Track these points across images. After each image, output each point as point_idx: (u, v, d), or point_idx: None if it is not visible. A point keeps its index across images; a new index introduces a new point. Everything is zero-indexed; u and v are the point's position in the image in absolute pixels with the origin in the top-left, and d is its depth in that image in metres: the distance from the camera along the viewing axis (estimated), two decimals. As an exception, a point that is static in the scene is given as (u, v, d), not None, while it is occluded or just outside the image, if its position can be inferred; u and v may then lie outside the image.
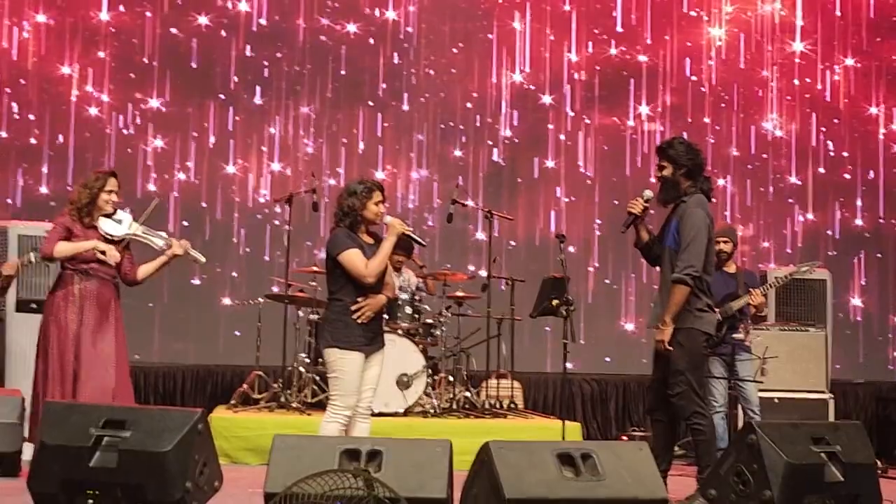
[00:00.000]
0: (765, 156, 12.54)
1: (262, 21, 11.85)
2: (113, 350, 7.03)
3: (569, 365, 8.15)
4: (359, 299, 6.40)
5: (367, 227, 6.56)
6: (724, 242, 8.58)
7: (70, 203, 7.18)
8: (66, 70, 11.49)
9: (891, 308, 12.55)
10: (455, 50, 12.21)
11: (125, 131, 11.58)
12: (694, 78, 12.47)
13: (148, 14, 11.64)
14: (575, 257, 11.77)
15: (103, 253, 6.99)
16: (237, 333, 11.28)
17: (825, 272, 10.42)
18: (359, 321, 6.38)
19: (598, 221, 12.24)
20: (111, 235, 7.12)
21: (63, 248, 7.00)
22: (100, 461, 5.12)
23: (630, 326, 12.18)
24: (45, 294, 8.66)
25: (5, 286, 7.53)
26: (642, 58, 12.36)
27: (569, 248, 11.10)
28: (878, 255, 12.67)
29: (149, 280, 7.39)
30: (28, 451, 6.92)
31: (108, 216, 7.16)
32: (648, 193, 6.82)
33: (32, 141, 11.43)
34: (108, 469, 5.10)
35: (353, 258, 6.36)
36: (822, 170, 12.55)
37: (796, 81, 12.56)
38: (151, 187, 11.48)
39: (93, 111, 11.50)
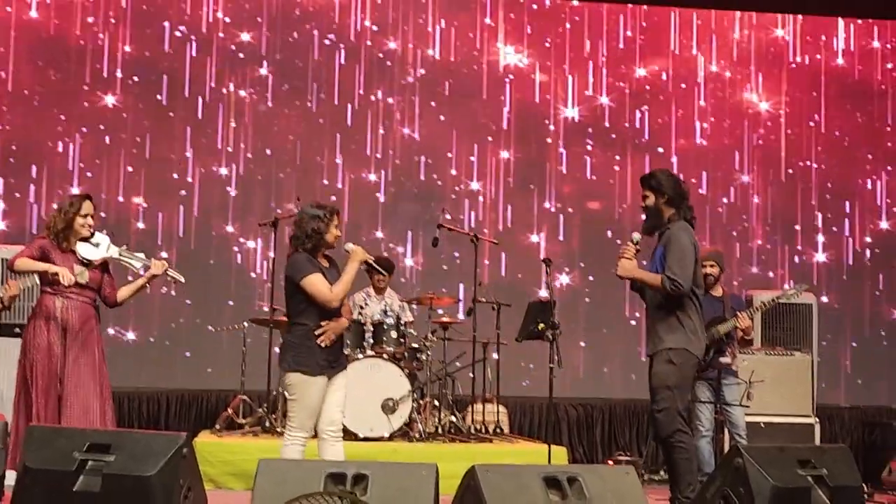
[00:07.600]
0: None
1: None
2: (96, 373, 7.00)
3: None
4: (322, 323, 6.40)
5: (325, 251, 6.58)
6: (711, 266, 8.62)
7: (46, 229, 7.16)
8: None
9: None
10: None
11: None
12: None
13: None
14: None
15: (56, 275, 6.93)
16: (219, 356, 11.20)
17: (811, 296, 10.44)
18: (322, 345, 6.37)
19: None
20: (88, 259, 7.10)
21: (22, 264, 6.98)
22: (83, 485, 5.08)
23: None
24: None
25: (7, 307, 7.44)
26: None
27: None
28: None
29: (127, 303, 7.47)
30: (11, 478, 6.86)
31: (86, 240, 7.15)
32: (637, 236, 6.84)
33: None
34: (91, 493, 5.06)
35: (317, 283, 6.37)
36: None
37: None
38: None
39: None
